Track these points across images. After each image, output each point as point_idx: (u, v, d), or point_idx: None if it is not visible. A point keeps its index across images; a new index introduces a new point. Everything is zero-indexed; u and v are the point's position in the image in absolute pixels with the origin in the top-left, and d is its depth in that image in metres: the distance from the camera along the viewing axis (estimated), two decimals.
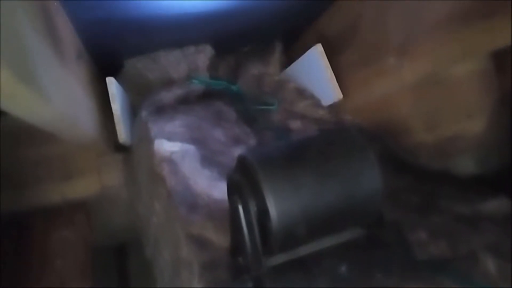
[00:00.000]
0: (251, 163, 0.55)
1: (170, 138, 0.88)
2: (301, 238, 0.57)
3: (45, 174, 0.99)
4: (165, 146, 0.86)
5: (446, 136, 0.93)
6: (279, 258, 0.58)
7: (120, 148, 1.01)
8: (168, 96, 1.02)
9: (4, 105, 0.48)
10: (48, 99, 0.56)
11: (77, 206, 1.00)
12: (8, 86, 0.44)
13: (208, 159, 0.86)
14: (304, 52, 1.04)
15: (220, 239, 0.71)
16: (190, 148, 0.87)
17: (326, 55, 1.00)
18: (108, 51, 1.01)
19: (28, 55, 0.52)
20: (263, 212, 0.53)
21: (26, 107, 0.53)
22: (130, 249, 1.09)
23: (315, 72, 1.02)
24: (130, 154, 1.01)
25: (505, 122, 0.90)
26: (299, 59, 1.07)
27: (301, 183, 0.54)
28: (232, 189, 0.59)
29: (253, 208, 0.54)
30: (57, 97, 0.61)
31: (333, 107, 1.03)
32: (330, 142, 0.59)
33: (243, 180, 0.56)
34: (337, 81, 0.99)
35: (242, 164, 0.57)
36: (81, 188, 1.00)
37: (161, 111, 0.98)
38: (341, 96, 0.98)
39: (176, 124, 0.92)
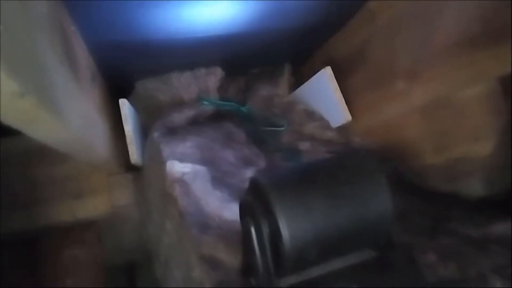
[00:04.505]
0: (263, 186, 0.56)
1: (181, 159, 0.88)
2: (312, 260, 0.57)
3: (56, 194, 1.00)
4: (176, 167, 0.86)
5: (454, 158, 0.93)
6: (290, 279, 0.58)
7: (130, 167, 1.02)
8: (179, 117, 1.02)
9: (26, 129, 0.49)
10: (68, 122, 0.57)
11: (88, 225, 1.01)
12: (32, 111, 0.44)
13: (218, 180, 0.87)
14: (313, 74, 1.05)
15: (231, 259, 0.72)
16: (201, 169, 0.88)
17: (335, 77, 1.01)
18: (120, 73, 1.02)
19: (49, 79, 0.52)
20: (276, 234, 0.54)
21: (47, 130, 0.53)
22: (141, 268, 1.09)
23: (324, 94, 1.03)
24: (141, 174, 1.02)
25: None
26: (308, 81, 1.08)
27: (313, 206, 0.55)
28: (245, 211, 0.60)
29: (265, 229, 0.55)
30: (75, 119, 0.61)
31: (342, 129, 1.04)
32: (341, 165, 0.60)
33: (255, 202, 0.57)
34: (346, 103, 1.00)
35: (255, 186, 0.58)
36: (92, 207, 1.01)
37: (172, 132, 0.98)
38: (349, 118, 1.00)
39: (187, 145, 0.92)
